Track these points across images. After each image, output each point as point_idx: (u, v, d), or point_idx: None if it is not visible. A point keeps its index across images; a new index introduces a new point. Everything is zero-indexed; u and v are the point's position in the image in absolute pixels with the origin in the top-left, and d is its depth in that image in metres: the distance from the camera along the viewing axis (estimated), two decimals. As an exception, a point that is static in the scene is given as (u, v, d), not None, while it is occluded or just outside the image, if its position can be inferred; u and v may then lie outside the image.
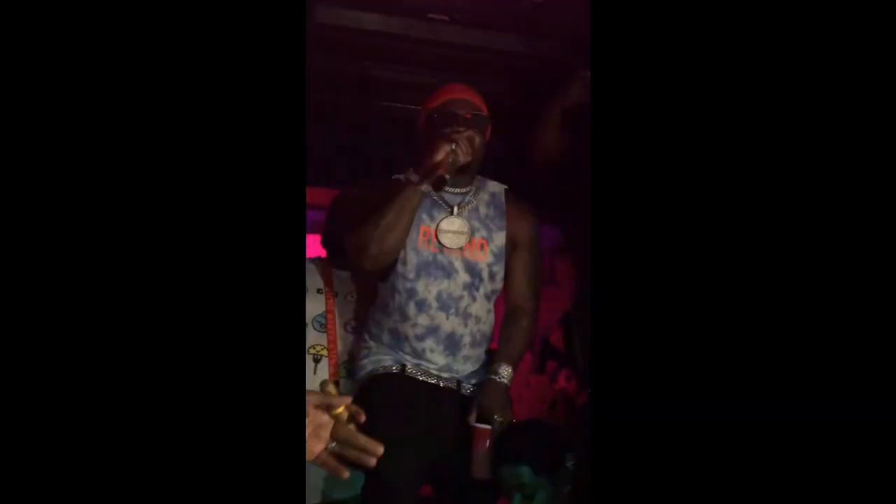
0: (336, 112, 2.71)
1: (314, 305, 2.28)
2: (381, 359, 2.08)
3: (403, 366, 2.05)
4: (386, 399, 1.98)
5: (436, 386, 2.05)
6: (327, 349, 2.23)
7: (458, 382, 2.08)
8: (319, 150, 2.60)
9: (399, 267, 2.02)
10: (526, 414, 2.97)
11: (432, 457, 1.96)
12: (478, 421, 1.94)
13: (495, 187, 2.18)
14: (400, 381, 2.03)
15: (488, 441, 1.91)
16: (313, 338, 2.27)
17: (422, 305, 2.02)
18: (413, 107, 2.32)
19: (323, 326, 2.27)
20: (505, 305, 2.16)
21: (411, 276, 2.02)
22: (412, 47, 2.38)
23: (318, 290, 2.33)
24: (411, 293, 2.02)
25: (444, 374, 2.07)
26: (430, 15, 2.30)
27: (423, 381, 2.05)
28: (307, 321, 2.23)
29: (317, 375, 2.20)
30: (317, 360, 2.23)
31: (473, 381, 2.09)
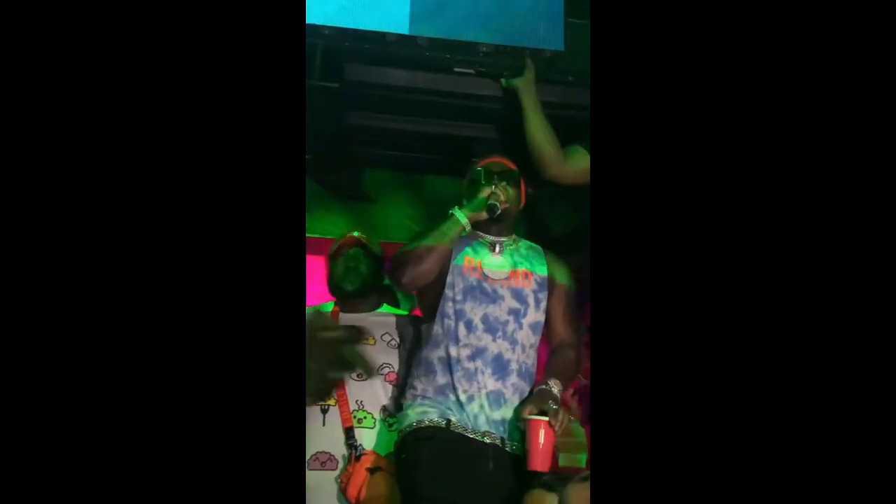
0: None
1: None
2: (426, 410, 2.09)
3: (449, 420, 2.06)
4: (430, 454, 2.01)
5: (481, 443, 2.06)
6: (335, 398, 2.21)
7: (503, 440, 2.08)
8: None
9: (447, 291, 2.15)
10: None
11: None
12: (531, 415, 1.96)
13: (532, 244, 2.35)
14: (445, 436, 2.04)
15: (543, 431, 1.91)
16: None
17: (470, 326, 2.12)
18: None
19: None
20: (549, 346, 2.25)
21: (459, 297, 2.14)
22: (439, 101, 2.43)
23: None
24: (459, 314, 2.13)
25: (491, 429, 2.08)
26: (457, 69, 2.35)
27: (468, 437, 2.05)
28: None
29: (325, 427, 2.21)
30: (324, 411, 2.21)
31: (517, 441, 2.08)
